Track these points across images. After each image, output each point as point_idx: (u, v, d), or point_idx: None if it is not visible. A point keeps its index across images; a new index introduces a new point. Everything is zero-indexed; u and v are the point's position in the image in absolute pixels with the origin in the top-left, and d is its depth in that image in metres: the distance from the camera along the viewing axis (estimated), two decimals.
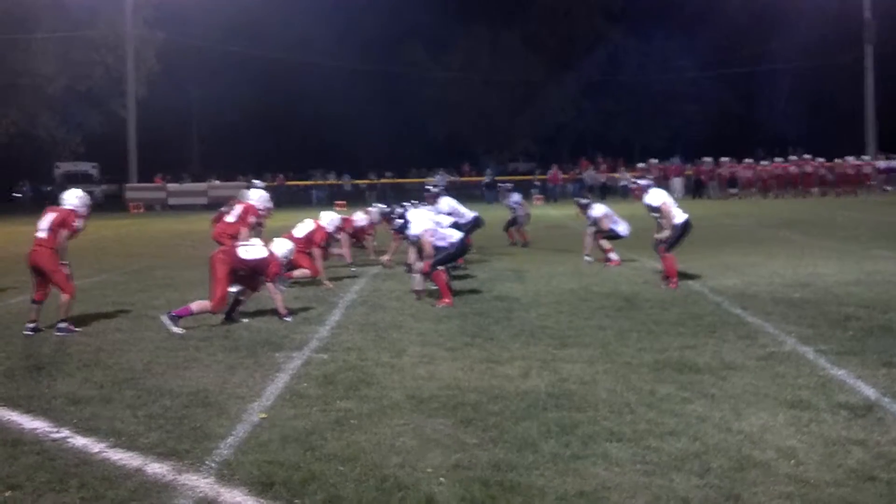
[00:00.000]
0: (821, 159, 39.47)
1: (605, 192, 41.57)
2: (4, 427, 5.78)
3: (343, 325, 9.22)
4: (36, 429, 5.70)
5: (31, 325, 9.13)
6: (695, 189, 39.99)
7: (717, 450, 4.96)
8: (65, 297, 9.08)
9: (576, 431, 5.34)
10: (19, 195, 47.45)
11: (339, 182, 48.55)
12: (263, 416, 5.84)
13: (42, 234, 9.14)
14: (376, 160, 50.75)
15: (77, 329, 9.15)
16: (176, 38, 44.66)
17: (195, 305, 9.25)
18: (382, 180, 47.24)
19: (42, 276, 9.21)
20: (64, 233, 9.15)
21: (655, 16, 55.30)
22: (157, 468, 4.92)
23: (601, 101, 57.50)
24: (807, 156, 39.59)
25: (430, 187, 16.42)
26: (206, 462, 4.98)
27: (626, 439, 5.18)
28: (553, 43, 57.34)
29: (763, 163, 39.97)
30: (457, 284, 12.07)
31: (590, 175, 43.41)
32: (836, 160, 39.77)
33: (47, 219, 9.24)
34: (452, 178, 45.26)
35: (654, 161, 41.83)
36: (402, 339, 8.36)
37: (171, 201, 41.66)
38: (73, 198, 9.58)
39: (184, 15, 46.50)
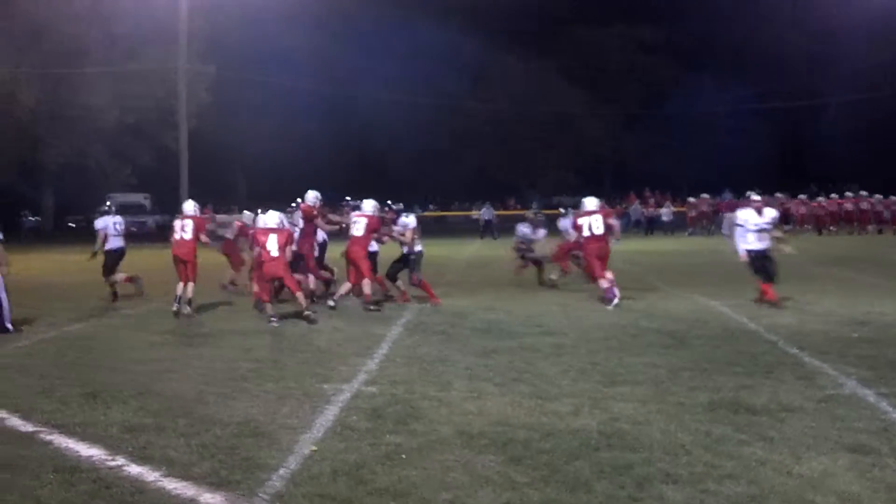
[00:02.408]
0: (878, 196, 38.72)
1: (651, 226, 41.26)
2: (62, 454, 5.84)
3: (390, 357, 9.21)
4: (92, 456, 5.76)
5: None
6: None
7: (776, 494, 4.86)
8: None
9: (630, 472, 5.25)
10: (73, 225, 48.46)
11: (382, 216, 48.66)
12: (314, 448, 5.83)
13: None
14: (421, 192, 50.97)
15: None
16: (226, 72, 45.38)
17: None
18: (426, 213, 47.41)
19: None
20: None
21: (701, 48, 55.03)
22: (210, 498, 4.95)
23: (643, 134, 57.15)
24: (863, 192, 38.92)
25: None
26: (259, 493, 4.99)
27: (682, 482, 5.09)
28: (589, 75, 57.25)
29: (819, 199, 39.38)
30: (503, 317, 12.06)
31: (635, 210, 43.08)
32: (892, 197, 39.03)
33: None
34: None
35: (705, 196, 41.37)
36: (448, 372, 8.33)
37: (220, 231, 42.11)
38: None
39: (233, 48, 47.29)
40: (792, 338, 10.00)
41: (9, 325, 11.48)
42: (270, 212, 13.15)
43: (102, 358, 9.42)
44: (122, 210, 22.26)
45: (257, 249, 12.55)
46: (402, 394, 7.41)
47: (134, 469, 5.48)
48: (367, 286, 13.37)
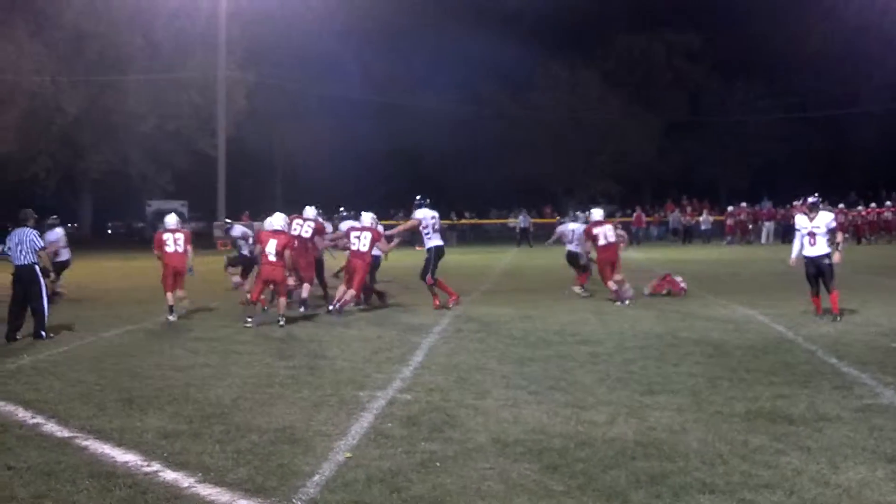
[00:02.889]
0: None
1: (688, 235, 40.91)
2: (98, 460, 5.90)
3: (426, 365, 9.21)
4: (128, 462, 5.81)
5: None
6: (784, 233, 39.02)
7: None
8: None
9: (666, 482, 5.20)
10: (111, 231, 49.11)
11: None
12: (349, 455, 5.84)
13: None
14: (456, 200, 50.92)
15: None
16: (265, 80, 45.80)
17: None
18: (462, 221, 47.37)
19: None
20: None
21: (740, 56, 54.56)
22: None
23: (684, 142, 56.69)
24: None
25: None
26: (294, 500, 5.00)
27: (719, 491, 5.03)
28: (633, 82, 56.96)
29: (858, 208, 38.83)
30: (539, 326, 12.01)
31: (675, 218, 42.75)
32: None
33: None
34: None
35: (743, 204, 40.97)
36: (485, 381, 8.30)
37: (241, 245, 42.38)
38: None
39: (272, 57, 47.73)
40: (830, 347, 9.86)
41: (43, 333, 11.71)
42: (277, 214, 13.72)
43: (139, 364, 9.52)
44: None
45: (258, 248, 13.28)
46: (437, 401, 7.40)
47: (169, 475, 5.52)
48: (343, 292, 14.13)
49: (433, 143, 53.62)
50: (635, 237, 41.23)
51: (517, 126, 54.90)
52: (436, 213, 15.02)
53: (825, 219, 12.39)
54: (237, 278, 16.95)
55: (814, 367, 8.78)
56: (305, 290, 14.57)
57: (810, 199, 12.77)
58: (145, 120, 43.17)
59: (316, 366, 9.22)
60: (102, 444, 6.28)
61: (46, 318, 11.86)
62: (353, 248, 14.22)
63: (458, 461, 5.68)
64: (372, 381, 8.38)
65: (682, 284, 15.98)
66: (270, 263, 12.76)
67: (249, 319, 12.58)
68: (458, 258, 28.63)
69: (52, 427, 6.80)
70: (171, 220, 14.61)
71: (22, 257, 11.87)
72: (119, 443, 6.28)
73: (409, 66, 52.13)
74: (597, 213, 15.88)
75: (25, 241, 11.88)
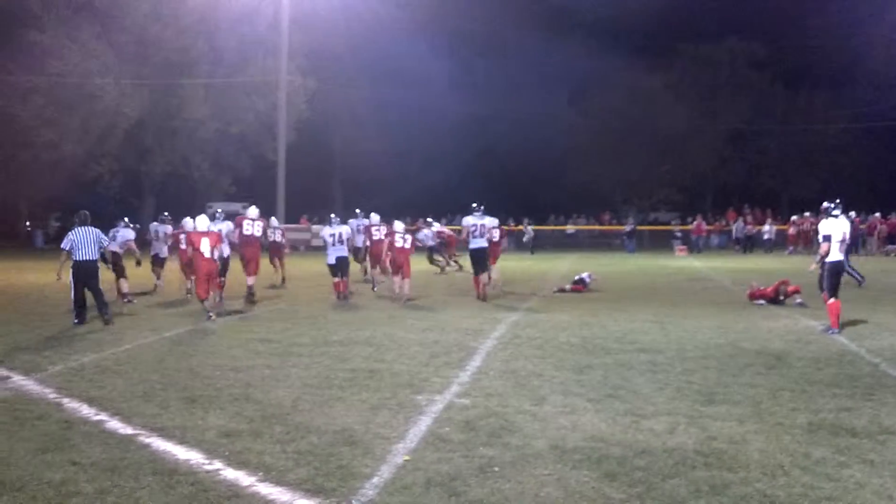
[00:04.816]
0: None
1: (750, 244, 40.27)
2: (160, 457, 6.00)
3: (483, 370, 9.20)
4: (190, 460, 5.90)
5: None
6: (850, 244, 38.11)
7: None
8: None
9: (727, 492, 5.14)
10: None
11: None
12: (407, 458, 5.87)
13: None
14: (515, 206, 50.77)
15: None
16: (325, 85, 46.24)
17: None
18: (520, 227, 47.20)
19: None
20: None
21: (804, 65, 53.61)
22: None
23: (746, 151, 55.89)
24: None
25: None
26: (353, 501, 5.04)
27: (780, 503, 4.97)
28: (695, 90, 56.28)
29: None
30: (598, 333, 11.93)
31: (738, 227, 42.12)
32: None
33: None
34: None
35: (807, 214, 40.17)
36: (542, 387, 8.27)
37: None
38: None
39: (332, 61, 48.18)
40: (894, 360, 9.65)
41: (109, 314, 13.39)
42: (201, 216, 15.05)
43: (200, 364, 9.66)
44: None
45: (191, 250, 14.40)
46: (495, 406, 7.39)
47: (230, 473, 5.60)
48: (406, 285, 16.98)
49: (492, 148, 53.68)
50: (695, 245, 40.79)
51: (577, 133, 54.56)
52: (481, 222, 17.25)
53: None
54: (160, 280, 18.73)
55: (877, 379, 8.60)
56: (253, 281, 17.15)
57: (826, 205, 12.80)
58: (207, 124, 43.86)
59: (374, 369, 9.27)
60: (165, 441, 6.39)
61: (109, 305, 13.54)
62: (398, 245, 17.21)
63: (517, 467, 5.67)
64: (430, 384, 8.40)
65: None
66: (207, 260, 14.01)
67: (211, 315, 13.84)
68: (515, 264, 28.58)
69: (115, 424, 6.93)
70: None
71: (87, 253, 13.25)
72: (181, 441, 6.39)
73: (469, 70, 52.27)
74: None
75: (90, 239, 13.31)
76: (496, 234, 18.64)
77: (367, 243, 20.61)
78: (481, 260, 17.19)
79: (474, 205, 17.51)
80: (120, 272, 16.61)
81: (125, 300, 16.40)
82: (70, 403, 7.67)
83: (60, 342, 11.49)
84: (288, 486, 5.33)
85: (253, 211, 18.09)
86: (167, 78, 41.62)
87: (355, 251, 20.82)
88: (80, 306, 13.38)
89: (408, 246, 17.36)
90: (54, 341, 11.58)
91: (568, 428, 6.68)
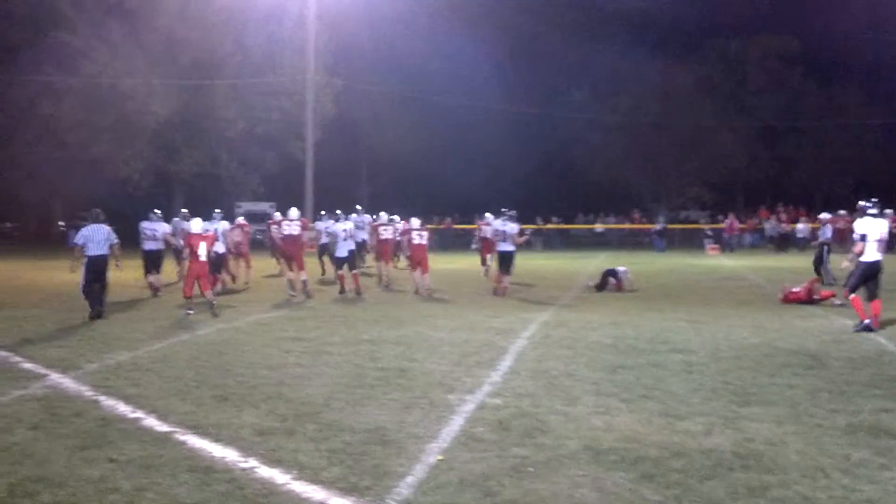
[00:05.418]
0: None
1: (783, 243, 39.84)
2: (196, 454, 6.03)
3: (515, 370, 9.16)
4: (225, 457, 5.93)
5: None
6: (888, 243, 37.52)
7: None
8: None
9: (766, 495, 5.08)
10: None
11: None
12: (441, 457, 5.85)
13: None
14: (542, 205, 50.63)
15: None
16: (351, 84, 46.31)
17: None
18: (548, 225, 47.10)
19: None
20: None
21: (836, 60, 52.91)
22: (339, 503, 5.02)
23: (778, 148, 55.18)
24: None
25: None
26: (387, 500, 5.04)
27: None
28: (727, 86, 55.67)
29: None
30: (630, 333, 11.85)
31: (772, 225, 41.68)
32: None
33: None
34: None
35: (842, 212, 39.63)
36: (574, 387, 8.22)
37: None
38: None
39: (359, 60, 48.28)
40: None
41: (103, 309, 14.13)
42: (195, 219, 15.96)
43: (233, 362, 9.71)
44: (249, 218, 23.69)
45: (187, 252, 15.04)
46: (527, 407, 7.36)
47: (265, 471, 5.62)
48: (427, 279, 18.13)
49: (517, 147, 53.48)
50: (728, 244, 40.39)
51: (605, 130, 54.20)
52: (504, 228, 18.34)
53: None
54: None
55: None
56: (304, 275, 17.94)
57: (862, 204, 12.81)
58: (235, 123, 44.08)
59: (405, 368, 9.26)
60: (200, 439, 6.42)
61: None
62: (416, 242, 18.41)
63: (551, 467, 5.64)
64: (461, 384, 8.37)
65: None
66: (200, 262, 14.70)
67: (190, 311, 14.50)
68: (543, 263, 28.51)
69: (151, 422, 6.97)
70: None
71: (98, 249, 14.08)
72: (216, 438, 6.42)
73: (497, 68, 52.02)
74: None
75: (101, 236, 14.13)
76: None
77: (371, 240, 22.30)
78: (507, 261, 18.20)
79: (504, 210, 18.70)
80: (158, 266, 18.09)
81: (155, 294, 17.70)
82: (107, 401, 7.73)
83: (96, 340, 11.59)
84: (322, 484, 5.33)
85: (294, 212, 18.72)
86: (195, 78, 41.89)
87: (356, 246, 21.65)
88: (90, 298, 14.09)
89: (424, 242, 18.53)
90: (90, 340, 11.68)
91: (602, 428, 6.63)
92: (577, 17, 54.16)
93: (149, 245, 18.25)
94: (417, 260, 18.28)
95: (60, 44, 38.52)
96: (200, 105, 42.89)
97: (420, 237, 18.49)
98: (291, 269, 17.96)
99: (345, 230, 18.05)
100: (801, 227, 40.25)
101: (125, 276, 16.87)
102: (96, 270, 14.06)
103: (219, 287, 17.71)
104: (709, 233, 41.70)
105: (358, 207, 25.36)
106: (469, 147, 54.52)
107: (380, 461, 5.79)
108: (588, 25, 54.21)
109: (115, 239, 14.35)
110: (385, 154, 54.28)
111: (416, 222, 19.24)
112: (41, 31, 38.88)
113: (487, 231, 23.92)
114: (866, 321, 11.85)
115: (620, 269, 19.03)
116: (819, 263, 19.36)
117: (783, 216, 43.32)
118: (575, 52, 52.90)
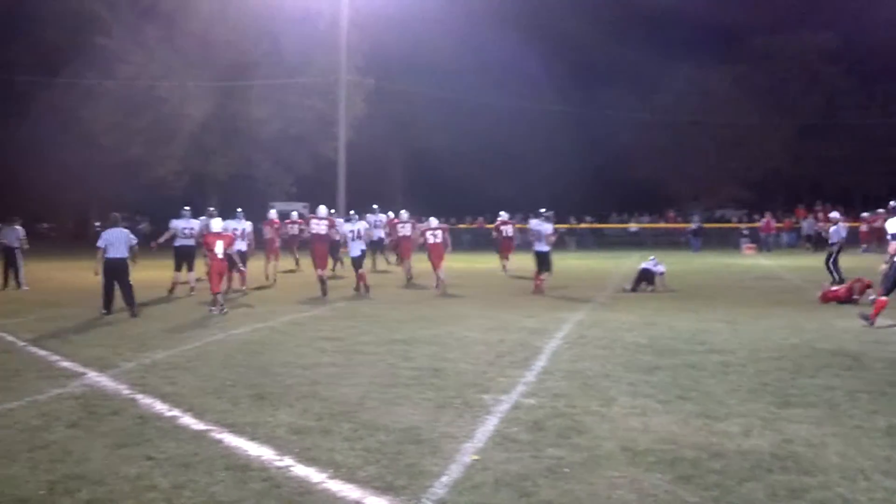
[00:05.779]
0: None
1: (820, 242, 39.31)
2: (232, 452, 6.06)
3: (549, 370, 9.11)
4: (261, 456, 5.95)
5: None
6: None
7: None
8: None
9: (806, 496, 5.00)
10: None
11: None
12: (476, 457, 5.83)
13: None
14: (575, 204, 50.36)
15: None
16: (384, 84, 46.40)
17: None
18: (582, 225, 46.90)
19: None
20: None
21: (877, 57, 52.06)
22: (375, 502, 5.02)
23: (818, 146, 54.32)
24: None
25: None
26: (423, 500, 5.03)
27: None
28: (766, 84, 54.99)
29: None
30: (666, 333, 11.74)
31: (809, 224, 41.17)
32: None
33: None
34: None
35: (880, 211, 39.03)
36: (610, 388, 8.15)
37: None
38: None
39: (391, 60, 48.37)
40: None
41: (135, 309, 14.59)
42: (216, 218, 16.38)
43: (268, 361, 9.76)
44: (282, 219, 24.04)
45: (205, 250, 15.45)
46: (562, 407, 7.31)
47: (301, 470, 5.63)
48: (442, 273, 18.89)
49: (552, 146, 53.28)
50: (764, 244, 39.94)
51: (641, 129, 53.80)
52: (538, 229, 18.71)
53: None
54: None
55: None
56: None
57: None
58: (269, 124, 44.33)
59: (439, 367, 9.25)
60: (236, 437, 6.45)
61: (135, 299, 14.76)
62: (430, 241, 19.10)
63: (587, 468, 5.59)
64: (496, 384, 8.34)
65: None
66: (219, 260, 15.08)
67: (213, 309, 14.78)
68: (576, 263, 28.38)
69: (188, 420, 7.02)
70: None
71: (117, 252, 14.52)
72: (252, 437, 6.44)
73: (531, 67, 51.88)
74: None
75: (121, 239, 14.60)
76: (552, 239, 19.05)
77: (389, 238, 23.27)
78: (543, 261, 18.39)
79: (542, 210, 19.12)
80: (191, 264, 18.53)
81: (192, 290, 18.31)
82: (144, 399, 7.79)
83: (132, 339, 11.71)
84: (358, 483, 5.34)
85: (322, 210, 19.17)
86: (229, 79, 42.18)
87: (372, 245, 22.68)
88: (108, 299, 14.67)
89: (439, 241, 19.20)
90: (126, 338, 11.81)
91: (639, 429, 6.57)
92: (612, 15, 53.91)
93: (182, 242, 18.35)
94: (434, 258, 18.97)
95: (97, 47, 39.02)
96: (234, 106, 43.19)
97: (434, 236, 19.15)
98: (317, 267, 18.14)
99: (352, 231, 18.29)
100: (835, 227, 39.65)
101: (160, 274, 17.12)
102: (114, 272, 14.56)
103: (225, 286, 17.81)
104: (745, 232, 41.26)
105: (374, 207, 26.11)
106: (502, 146, 54.41)
107: (415, 461, 5.78)
108: (624, 23, 54.00)
109: (134, 241, 14.84)
110: (418, 154, 54.35)
111: (433, 222, 19.80)
112: (80, 35, 39.39)
113: (507, 230, 24.67)
114: (875, 321, 11.99)
115: (658, 268, 18.69)
116: (829, 262, 19.26)
117: (821, 215, 42.72)
118: (610, 50, 52.67)
